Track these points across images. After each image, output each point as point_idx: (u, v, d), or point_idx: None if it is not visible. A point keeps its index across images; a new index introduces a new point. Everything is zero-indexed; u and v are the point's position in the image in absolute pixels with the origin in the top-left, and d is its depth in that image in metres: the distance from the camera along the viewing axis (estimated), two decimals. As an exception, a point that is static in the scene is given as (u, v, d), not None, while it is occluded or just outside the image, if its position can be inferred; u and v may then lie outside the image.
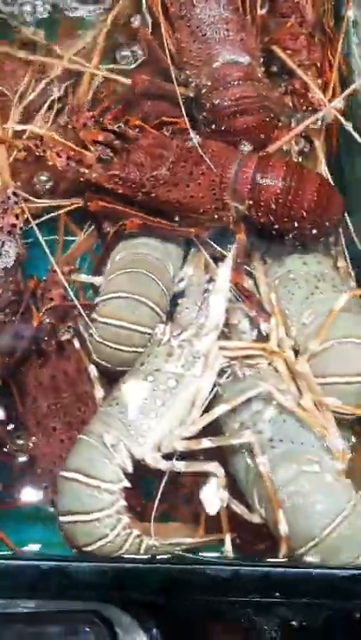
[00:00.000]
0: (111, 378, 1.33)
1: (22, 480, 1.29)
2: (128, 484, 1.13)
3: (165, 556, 1.12)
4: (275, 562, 1.07)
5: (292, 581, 1.04)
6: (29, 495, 1.31)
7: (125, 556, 1.08)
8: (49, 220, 1.54)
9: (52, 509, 1.31)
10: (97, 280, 1.42)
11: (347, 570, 1.07)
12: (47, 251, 1.41)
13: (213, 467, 1.15)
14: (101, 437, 1.14)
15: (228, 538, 1.15)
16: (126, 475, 1.14)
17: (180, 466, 1.14)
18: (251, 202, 1.37)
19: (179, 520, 1.30)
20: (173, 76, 1.50)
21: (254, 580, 1.00)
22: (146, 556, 1.09)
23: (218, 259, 1.48)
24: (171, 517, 1.30)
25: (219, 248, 1.46)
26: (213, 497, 1.14)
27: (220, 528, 1.24)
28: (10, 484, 1.29)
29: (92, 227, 1.55)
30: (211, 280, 1.45)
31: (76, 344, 1.35)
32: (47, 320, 1.33)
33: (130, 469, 1.14)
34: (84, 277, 1.43)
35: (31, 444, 1.27)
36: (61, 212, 1.51)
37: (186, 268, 1.48)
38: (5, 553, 1.20)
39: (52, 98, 1.60)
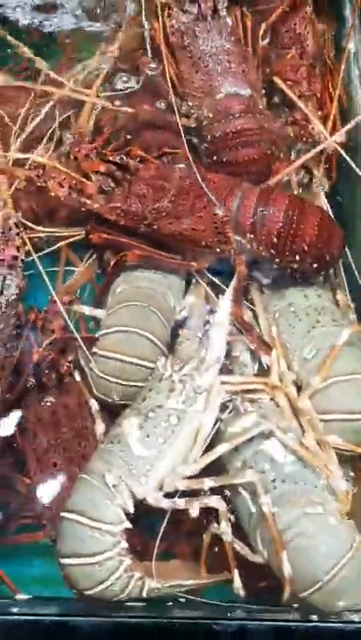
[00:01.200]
0: (112, 412, 1.33)
1: (22, 516, 1.29)
2: (129, 525, 1.12)
3: (169, 607, 1.09)
4: (282, 614, 1.05)
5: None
6: (29, 531, 1.31)
7: (128, 604, 1.07)
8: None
9: (51, 544, 1.31)
10: (98, 313, 1.41)
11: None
12: (48, 282, 1.41)
13: (215, 501, 1.13)
14: (103, 477, 1.12)
15: (236, 574, 1.14)
16: (127, 514, 1.14)
17: (182, 503, 1.13)
18: (252, 235, 1.37)
19: (179, 556, 1.29)
20: (175, 106, 1.52)
21: (261, 634, 0.97)
22: (151, 615, 1.06)
23: (219, 290, 1.50)
24: (171, 554, 1.30)
25: (217, 281, 1.47)
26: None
27: (221, 565, 1.24)
28: (9, 519, 1.28)
29: (93, 256, 1.57)
30: (211, 311, 1.46)
31: (77, 377, 1.35)
32: (47, 353, 1.34)
33: (131, 510, 1.13)
34: (85, 309, 1.42)
35: (30, 480, 1.27)
36: (63, 243, 1.52)
37: (187, 298, 1.48)
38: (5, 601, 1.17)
39: (52, 127, 1.62)
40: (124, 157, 1.46)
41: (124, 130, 1.60)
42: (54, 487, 1.24)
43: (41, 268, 1.40)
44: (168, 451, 1.15)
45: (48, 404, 1.29)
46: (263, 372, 1.36)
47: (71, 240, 1.52)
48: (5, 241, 1.34)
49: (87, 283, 1.54)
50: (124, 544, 1.10)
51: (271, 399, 1.30)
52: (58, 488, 1.24)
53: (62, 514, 1.12)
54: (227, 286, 1.42)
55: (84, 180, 1.46)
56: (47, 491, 1.25)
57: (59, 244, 1.50)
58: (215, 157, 1.48)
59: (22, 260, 1.35)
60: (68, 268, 1.56)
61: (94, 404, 1.30)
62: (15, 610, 1.09)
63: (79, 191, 1.44)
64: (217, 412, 1.23)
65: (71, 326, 1.32)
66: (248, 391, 1.28)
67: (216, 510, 1.17)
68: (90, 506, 1.10)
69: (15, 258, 1.33)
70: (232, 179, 1.43)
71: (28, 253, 1.40)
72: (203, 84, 1.51)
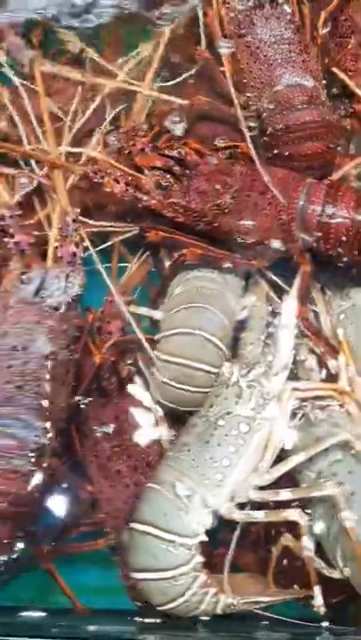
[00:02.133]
0: (174, 417, 1.30)
1: (83, 523, 1.25)
2: (205, 538, 1.08)
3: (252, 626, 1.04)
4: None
5: None
6: (89, 539, 1.27)
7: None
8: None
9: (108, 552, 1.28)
10: (157, 314, 1.36)
11: None
12: (108, 280, 1.35)
13: (296, 514, 1.08)
14: (173, 487, 1.08)
15: (317, 591, 1.08)
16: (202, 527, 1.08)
17: (260, 515, 1.08)
18: (319, 234, 1.31)
19: (242, 567, 1.25)
20: (234, 98, 1.46)
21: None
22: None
23: (279, 289, 1.45)
24: (234, 565, 1.26)
25: (279, 280, 1.42)
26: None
27: (288, 578, 1.20)
28: (70, 526, 1.24)
29: (146, 254, 1.52)
30: (274, 313, 1.41)
31: (138, 381, 1.31)
32: (108, 356, 1.30)
33: (209, 522, 1.08)
34: (143, 310, 1.37)
35: (92, 488, 1.23)
36: (117, 239, 1.47)
37: (247, 298, 1.43)
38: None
39: (104, 120, 1.57)
40: (181, 151, 1.43)
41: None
42: (118, 495, 1.20)
43: (99, 265, 1.35)
44: (240, 461, 1.10)
45: (109, 409, 1.26)
46: (330, 377, 1.33)
47: (125, 236, 1.49)
48: (63, 237, 1.30)
49: (141, 282, 1.51)
50: (200, 558, 1.06)
51: (340, 406, 1.26)
52: (122, 496, 1.20)
53: (133, 525, 1.08)
54: (289, 286, 1.39)
55: (139, 175, 1.42)
56: (110, 499, 1.21)
57: (113, 241, 1.46)
58: (276, 151, 1.41)
59: (81, 257, 1.30)
60: (121, 264, 1.51)
61: (157, 410, 1.26)
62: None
63: (136, 187, 1.40)
64: (288, 420, 1.20)
65: (136, 328, 1.27)
66: (317, 398, 1.25)
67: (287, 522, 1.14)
68: (163, 517, 1.06)
69: (74, 255, 1.28)
70: (296, 174, 1.36)
71: (85, 249, 1.37)
72: (262, 75, 1.45)
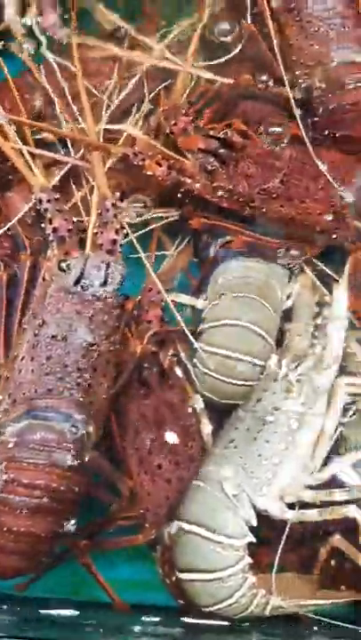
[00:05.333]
0: (217, 410, 1.25)
1: (122, 517, 1.22)
2: (253, 539, 1.04)
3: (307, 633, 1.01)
4: None
5: None
6: (127, 534, 1.24)
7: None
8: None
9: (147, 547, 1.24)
10: (199, 303, 1.30)
11: None
12: (150, 267, 1.29)
13: (353, 510, 1.03)
14: (221, 485, 1.04)
15: None
16: (250, 527, 1.05)
17: (313, 514, 1.03)
18: (375, 221, 1.27)
19: (287, 566, 1.21)
20: (284, 76, 1.38)
21: None
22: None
23: (326, 278, 1.39)
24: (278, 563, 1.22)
25: (326, 269, 1.35)
26: None
27: (334, 579, 1.16)
28: (109, 521, 1.20)
29: (187, 241, 1.47)
30: (321, 304, 1.35)
31: (179, 372, 1.26)
32: (148, 346, 1.25)
33: (254, 522, 1.04)
34: (184, 298, 1.32)
35: (132, 482, 1.19)
36: (157, 225, 1.41)
37: (293, 287, 1.36)
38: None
39: (141, 99, 1.51)
40: (227, 132, 1.36)
41: (221, 101, 1.49)
42: (159, 490, 1.15)
43: (142, 252, 1.31)
44: (290, 457, 1.06)
45: (151, 400, 1.21)
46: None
47: (166, 221, 1.43)
48: (104, 224, 1.24)
49: (181, 270, 1.46)
50: (248, 559, 1.02)
51: (394, 402, 1.21)
52: (163, 492, 1.15)
53: (180, 524, 1.04)
54: (337, 275, 1.33)
55: (182, 158, 1.36)
56: (152, 493, 1.16)
57: (155, 225, 1.41)
58: (327, 132, 1.33)
59: (121, 245, 1.24)
60: (159, 253, 1.47)
61: (199, 402, 1.21)
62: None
63: (179, 170, 1.34)
64: (338, 415, 1.14)
65: (178, 317, 1.21)
66: (370, 393, 1.20)
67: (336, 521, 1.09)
68: (210, 517, 1.02)
69: (114, 242, 1.21)
70: (350, 157, 1.30)
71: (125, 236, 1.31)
72: (314, 51, 1.35)
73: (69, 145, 1.44)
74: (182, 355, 1.26)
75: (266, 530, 1.13)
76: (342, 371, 1.23)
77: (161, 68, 1.52)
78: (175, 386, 1.23)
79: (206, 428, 1.19)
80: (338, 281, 1.23)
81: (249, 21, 1.50)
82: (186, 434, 1.19)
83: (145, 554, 1.24)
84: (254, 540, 1.05)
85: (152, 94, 1.45)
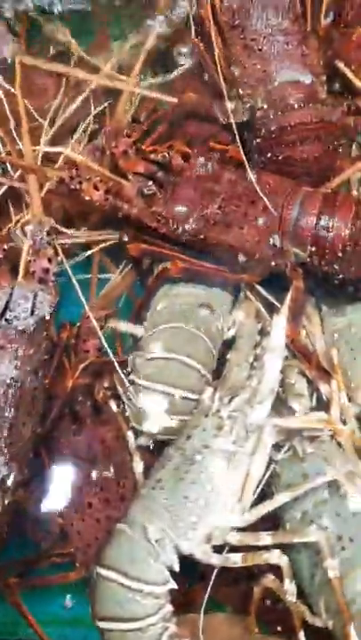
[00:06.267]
0: (152, 447, 1.22)
1: (53, 555, 1.18)
2: (175, 586, 0.99)
3: None
4: None
5: None
6: (60, 571, 1.21)
7: None
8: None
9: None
10: (137, 330, 1.27)
11: None
12: (81, 295, 1.27)
13: (276, 557, 1.00)
14: (145, 529, 1.00)
15: (301, 637, 0.99)
16: (171, 572, 1.01)
17: (237, 559, 1.00)
18: (314, 248, 1.20)
19: (222, 601, 1.18)
20: (226, 95, 1.34)
21: None
22: None
23: (270, 306, 1.35)
24: (213, 598, 1.18)
25: (269, 296, 1.32)
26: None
27: (270, 619, 1.13)
28: (40, 558, 1.17)
29: (130, 265, 1.43)
30: (263, 332, 1.31)
31: (113, 406, 1.22)
32: (79, 380, 1.21)
33: (176, 568, 1.00)
34: (123, 326, 1.28)
35: (63, 520, 1.16)
36: (97, 249, 1.37)
37: (235, 315, 1.33)
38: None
39: (86, 119, 1.47)
40: (167, 155, 1.31)
41: (166, 122, 1.45)
42: (88, 529, 1.13)
43: (74, 279, 1.26)
44: (217, 500, 1.01)
45: (83, 436, 1.17)
46: (321, 403, 1.23)
47: (107, 245, 1.40)
48: (36, 251, 1.20)
49: (124, 293, 1.42)
50: (169, 607, 0.98)
51: (332, 437, 1.17)
52: (93, 531, 1.12)
53: (99, 569, 1.00)
54: (280, 302, 1.29)
55: (121, 180, 1.32)
56: (81, 532, 1.13)
57: (93, 250, 1.36)
58: (269, 155, 1.30)
59: (55, 273, 1.21)
60: (102, 275, 1.44)
61: (131, 438, 1.16)
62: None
63: (116, 194, 1.30)
64: (268, 454, 1.10)
65: (108, 350, 1.18)
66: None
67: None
68: (130, 563, 0.98)
69: (47, 271, 1.18)
70: (290, 181, 1.25)
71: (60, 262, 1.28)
72: (257, 70, 1.32)
73: (8, 166, 1.43)
74: (118, 387, 1.24)
75: (202, 566, 1.11)
76: (281, 402, 1.22)
77: (108, 87, 1.52)
78: (109, 420, 1.19)
79: (139, 466, 1.15)
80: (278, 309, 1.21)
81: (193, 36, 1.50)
82: (118, 472, 1.16)
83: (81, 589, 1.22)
84: (176, 586, 1.00)
85: (93, 114, 1.44)
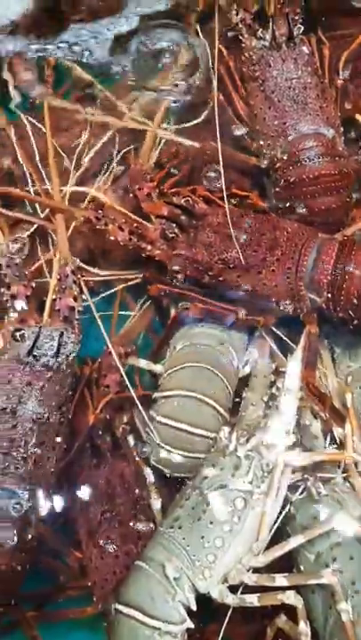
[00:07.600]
0: (169, 483, 1.24)
1: (70, 588, 1.20)
2: (191, 625, 1.02)
3: None
4: None
5: None
6: (77, 605, 1.22)
7: None
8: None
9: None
10: (157, 368, 1.30)
11: None
12: (104, 331, 1.30)
13: (291, 597, 1.01)
14: (162, 567, 1.02)
15: None
16: (189, 611, 1.03)
17: (253, 600, 1.02)
18: (329, 294, 1.25)
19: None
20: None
21: None
22: None
23: (285, 347, 1.39)
24: (227, 637, 1.20)
25: (284, 337, 1.36)
26: None
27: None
28: (57, 592, 1.19)
29: (150, 302, 1.48)
30: (278, 372, 1.35)
31: (131, 441, 1.25)
32: (101, 415, 1.24)
33: (194, 607, 1.02)
34: (143, 363, 1.32)
35: (81, 554, 1.18)
36: (120, 287, 1.42)
37: (250, 355, 1.36)
38: None
39: (112, 161, 1.52)
40: (190, 200, 1.37)
41: (187, 165, 1.51)
42: (106, 565, 1.14)
43: (97, 316, 1.31)
44: (234, 541, 1.04)
45: (102, 470, 1.19)
46: (336, 445, 1.26)
47: (129, 284, 1.44)
48: (63, 289, 1.25)
49: (143, 331, 1.47)
50: (186, 646, 1.02)
51: (344, 479, 1.20)
52: (110, 566, 1.14)
53: (117, 606, 1.02)
54: (293, 341, 1.33)
55: (145, 223, 1.37)
56: (98, 567, 1.15)
57: (116, 289, 1.40)
58: (288, 204, 1.36)
59: (79, 312, 1.25)
60: (122, 312, 1.48)
61: (150, 475, 1.20)
62: None
63: (140, 236, 1.36)
64: (284, 494, 1.13)
65: (129, 385, 1.22)
66: (320, 469, 1.19)
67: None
68: (148, 601, 1.00)
69: (72, 309, 1.22)
70: (308, 228, 1.31)
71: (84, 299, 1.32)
72: (276, 122, 1.38)
73: (37, 206, 1.48)
74: (137, 422, 1.27)
75: (214, 604, 1.13)
76: (298, 444, 1.24)
77: (132, 130, 1.58)
78: (127, 455, 1.22)
79: (157, 504, 1.18)
80: (293, 352, 1.25)
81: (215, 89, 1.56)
82: (136, 507, 1.18)
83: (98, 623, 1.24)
84: (192, 625, 1.02)
85: (119, 156, 1.49)
